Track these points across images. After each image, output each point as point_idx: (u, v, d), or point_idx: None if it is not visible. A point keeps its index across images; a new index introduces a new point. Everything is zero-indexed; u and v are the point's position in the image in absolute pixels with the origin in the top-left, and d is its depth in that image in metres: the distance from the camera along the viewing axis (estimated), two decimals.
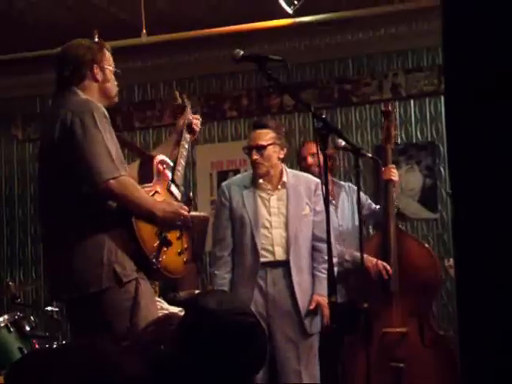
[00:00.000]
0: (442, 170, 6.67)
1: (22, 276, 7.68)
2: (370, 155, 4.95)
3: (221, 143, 7.27)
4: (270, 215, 4.54)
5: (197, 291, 6.38)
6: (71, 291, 3.37)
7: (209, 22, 6.21)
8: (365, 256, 4.71)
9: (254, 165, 4.59)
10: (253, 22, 6.21)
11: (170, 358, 2.21)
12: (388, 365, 4.77)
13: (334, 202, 5.10)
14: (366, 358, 4.13)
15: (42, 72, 7.44)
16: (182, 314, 3.18)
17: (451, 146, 1.64)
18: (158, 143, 7.44)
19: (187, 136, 4.02)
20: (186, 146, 3.95)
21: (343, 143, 4.37)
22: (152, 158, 3.74)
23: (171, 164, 3.80)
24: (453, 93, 1.61)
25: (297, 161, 5.57)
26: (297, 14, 5.37)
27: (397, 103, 6.84)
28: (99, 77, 3.55)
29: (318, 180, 4.63)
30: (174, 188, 3.71)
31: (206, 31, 6.30)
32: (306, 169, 5.24)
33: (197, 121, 4.06)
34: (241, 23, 6.18)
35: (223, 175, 7.13)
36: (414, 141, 6.81)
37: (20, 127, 7.87)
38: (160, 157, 3.77)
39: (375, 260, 4.92)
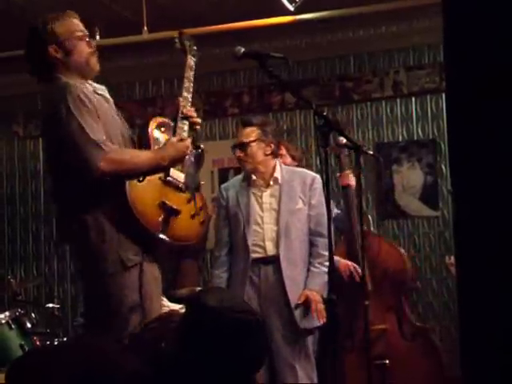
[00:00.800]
0: (443, 167, 6.66)
1: (23, 273, 7.68)
2: (371, 153, 4.96)
3: (222, 140, 7.26)
4: (262, 211, 4.54)
5: (198, 288, 6.39)
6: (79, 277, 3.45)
7: (210, 19, 6.20)
8: (338, 259, 4.76)
9: (239, 162, 4.62)
10: (254, 19, 6.20)
11: (171, 355, 2.22)
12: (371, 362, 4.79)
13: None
14: (347, 357, 4.17)
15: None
16: (183, 311, 3.18)
17: (452, 143, 1.63)
18: None
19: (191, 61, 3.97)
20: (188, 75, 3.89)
21: (344, 141, 4.37)
22: (147, 121, 3.62)
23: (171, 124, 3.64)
24: (454, 90, 1.61)
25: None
26: (298, 11, 5.37)
27: (398, 100, 6.85)
28: (58, 54, 3.39)
29: (316, 175, 4.63)
30: (172, 172, 3.50)
31: (208, 28, 6.30)
32: None
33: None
34: (242, 20, 6.17)
35: (224, 173, 7.13)
36: (416, 138, 6.81)
37: (21, 124, 7.88)
38: (157, 119, 3.63)
39: (348, 263, 4.94)
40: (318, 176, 4.57)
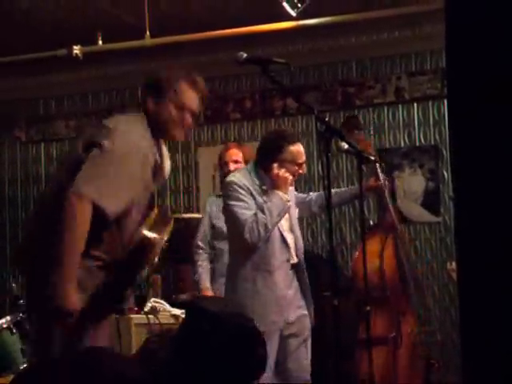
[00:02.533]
0: (444, 173, 6.67)
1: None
2: (373, 158, 4.95)
3: (224, 145, 7.26)
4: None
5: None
6: None
7: (212, 24, 6.21)
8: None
9: None
10: (256, 24, 6.21)
11: (169, 361, 2.22)
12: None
13: None
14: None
15: (46, 74, 7.47)
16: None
17: (454, 149, 1.64)
18: None
19: None
20: None
21: (346, 146, 4.37)
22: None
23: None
24: (456, 96, 1.61)
25: (218, 164, 5.57)
26: (300, 16, 5.38)
27: (400, 106, 6.86)
28: (151, 107, 3.40)
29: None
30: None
31: (210, 33, 6.30)
32: (226, 174, 5.18)
33: None
34: (244, 26, 6.18)
35: (225, 177, 7.13)
36: (417, 144, 6.81)
37: (23, 129, 7.89)
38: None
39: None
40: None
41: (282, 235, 4.37)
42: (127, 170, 3.18)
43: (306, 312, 4.42)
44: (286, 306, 4.35)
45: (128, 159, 3.18)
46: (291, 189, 4.50)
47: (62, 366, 2.22)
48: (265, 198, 4.27)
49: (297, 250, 4.44)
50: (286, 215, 4.41)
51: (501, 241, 1.52)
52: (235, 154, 5.36)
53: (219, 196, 5.43)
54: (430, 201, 6.72)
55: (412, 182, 6.77)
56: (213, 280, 5.48)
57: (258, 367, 2.32)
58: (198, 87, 3.52)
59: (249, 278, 4.33)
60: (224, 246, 5.35)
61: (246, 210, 4.26)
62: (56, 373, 2.17)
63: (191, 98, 3.49)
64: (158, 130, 3.39)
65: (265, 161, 4.37)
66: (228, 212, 4.38)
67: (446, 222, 6.65)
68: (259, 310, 4.20)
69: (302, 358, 4.40)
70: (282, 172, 4.26)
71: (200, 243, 5.54)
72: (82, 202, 3.06)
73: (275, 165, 4.29)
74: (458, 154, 1.61)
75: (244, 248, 4.29)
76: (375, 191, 5.30)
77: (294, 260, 4.43)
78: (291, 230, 4.47)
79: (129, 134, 3.25)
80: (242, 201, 4.29)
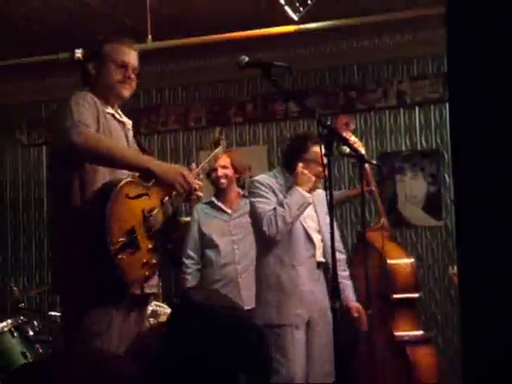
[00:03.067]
0: (446, 177, 6.66)
1: (26, 281, 7.69)
2: (374, 162, 4.96)
3: (226, 149, 7.26)
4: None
5: None
6: None
7: (214, 28, 6.21)
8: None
9: None
10: (258, 28, 6.21)
11: (161, 355, 2.21)
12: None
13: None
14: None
15: (47, 77, 7.48)
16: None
17: (455, 153, 1.63)
18: (162, 148, 7.46)
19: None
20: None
21: (348, 150, 4.37)
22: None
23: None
24: (457, 100, 1.61)
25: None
26: (302, 20, 5.38)
27: (402, 110, 6.86)
28: (93, 71, 3.60)
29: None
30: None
31: (212, 37, 6.30)
32: (214, 180, 5.47)
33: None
34: (246, 29, 6.18)
35: None
36: (419, 148, 6.81)
37: (25, 132, 7.89)
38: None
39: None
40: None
41: (306, 232, 4.47)
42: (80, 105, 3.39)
43: (330, 314, 4.41)
44: (311, 302, 4.43)
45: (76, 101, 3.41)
46: (320, 192, 4.54)
47: (56, 366, 2.22)
48: (287, 194, 4.41)
49: (325, 250, 4.48)
50: (313, 216, 4.47)
51: (502, 245, 1.52)
52: (223, 159, 5.43)
53: (207, 203, 5.56)
54: (432, 205, 6.72)
55: (413, 186, 6.77)
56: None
57: (251, 357, 2.30)
58: (131, 43, 3.70)
59: (273, 271, 4.44)
60: (212, 253, 5.40)
61: (265, 204, 4.43)
62: (50, 372, 2.17)
63: (128, 54, 3.66)
64: (105, 93, 3.57)
65: (290, 161, 4.54)
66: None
67: (447, 226, 6.65)
68: (283, 302, 4.37)
69: (325, 360, 4.37)
70: (305, 170, 4.40)
71: (190, 252, 5.53)
72: (79, 135, 3.25)
73: (300, 164, 4.43)
74: (459, 158, 1.61)
75: (265, 241, 4.42)
76: (370, 196, 5.32)
77: (320, 259, 4.50)
78: (319, 231, 4.52)
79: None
80: (263, 196, 4.47)
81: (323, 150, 3.36)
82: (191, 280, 5.48)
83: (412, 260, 5.30)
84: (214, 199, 5.57)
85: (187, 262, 5.52)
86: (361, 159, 4.03)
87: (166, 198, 3.53)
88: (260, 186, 4.49)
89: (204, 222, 5.53)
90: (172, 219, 3.61)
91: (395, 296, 5.10)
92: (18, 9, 5.97)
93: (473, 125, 1.58)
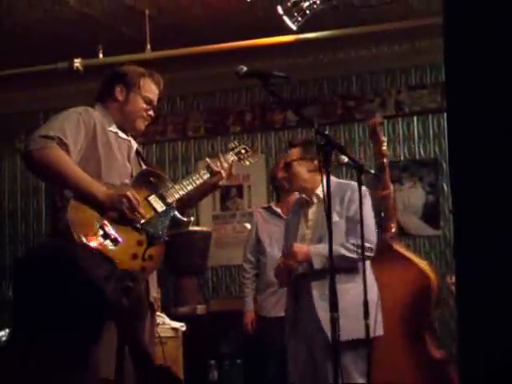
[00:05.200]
0: (444, 186, 6.67)
1: None
2: (372, 172, 4.96)
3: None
4: (307, 228, 4.51)
5: (198, 306, 6.39)
6: None
7: (213, 37, 6.23)
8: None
9: (287, 183, 4.87)
10: (257, 38, 6.23)
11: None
12: None
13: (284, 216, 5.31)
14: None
15: (46, 86, 7.48)
16: (183, 328, 3.14)
17: (453, 163, 1.64)
18: (161, 158, 7.46)
19: (206, 175, 3.88)
20: (198, 182, 3.81)
21: (346, 159, 4.37)
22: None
23: (165, 177, 3.72)
24: (455, 110, 1.62)
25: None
26: (300, 30, 5.39)
27: (400, 119, 6.87)
28: (120, 97, 3.59)
29: (355, 185, 4.51)
30: (155, 200, 3.55)
31: (210, 47, 6.32)
32: (277, 184, 5.52)
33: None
34: (245, 39, 6.20)
35: (226, 190, 7.14)
36: (417, 157, 6.82)
37: (23, 141, 7.89)
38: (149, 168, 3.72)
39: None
40: (359, 186, 4.40)
41: None
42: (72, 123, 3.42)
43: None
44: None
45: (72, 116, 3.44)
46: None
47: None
48: None
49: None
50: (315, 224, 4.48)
51: (500, 254, 1.52)
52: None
53: (266, 208, 5.63)
54: (430, 214, 6.72)
55: (412, 196, 6.77)
56: (258, 292, 5.52)
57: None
58: (159, 83, 3.73)
59: None
60: (264, 259, 5.39)
61: None
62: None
63: (154, 93, 3.70)
64: (122, 120, 3.59)
65: None
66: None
67: (445, 235, 6.65)
68: None
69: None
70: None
71: (249, 256, 5.56)
72: (41, 149, 3.30)
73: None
74: (457, 168, 1.62)
75: None
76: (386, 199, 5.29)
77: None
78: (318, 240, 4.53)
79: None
80: None
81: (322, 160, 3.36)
82: (250, 285, 5.51)
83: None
84: (272, 204, 5.63)
85: (246, 266, 5.56)
86: (359, 169, 4.03)
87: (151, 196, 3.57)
88: None
89: (261, 226, 5.54)
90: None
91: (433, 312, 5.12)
92: (18, 18, 5.99)
93: (471, 134, 1.58)
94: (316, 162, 4.48)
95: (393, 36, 6.53)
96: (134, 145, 3.69)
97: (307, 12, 5.01)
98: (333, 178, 4.52)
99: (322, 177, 3.53)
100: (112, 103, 3.60)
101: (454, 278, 5.15)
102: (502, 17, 1.54)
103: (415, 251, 6.66)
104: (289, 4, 5.01)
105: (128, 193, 3.37)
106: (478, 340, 1.52)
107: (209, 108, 7.38)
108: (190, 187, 3.72)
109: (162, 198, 3.59)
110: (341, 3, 5.00)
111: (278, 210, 5.49)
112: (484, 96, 1.55)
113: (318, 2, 4.95)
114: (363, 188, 4.40)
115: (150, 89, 3.67)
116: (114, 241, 3.35)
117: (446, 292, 5.59)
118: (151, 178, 3.62)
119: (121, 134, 3.61)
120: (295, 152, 4.56)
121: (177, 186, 3.67)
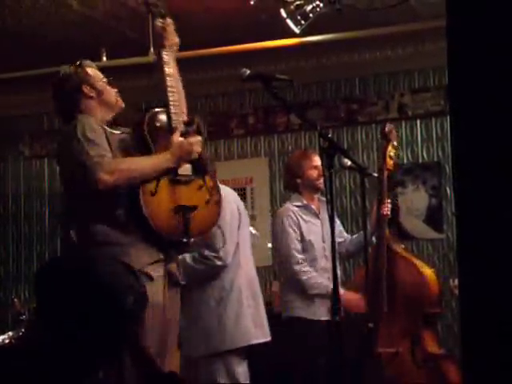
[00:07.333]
0: (447, 189, 6.66)
1: (27, 293, 7.67)
2: (375, 175, 4.95)
3: (227, 161, 7.28)
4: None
5: None
6: None
7: (216, 40, 6.23)
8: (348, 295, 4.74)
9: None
10: (260, 41, 6.23)
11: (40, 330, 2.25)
12: None
13: (320, 217, 5.08)
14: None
15: (50, 90, 7.48)
16: None
17: (456, 166, 1.64)
18: None
19: (165, 55, 3.74)
20: (168, 71, 3.71)
21: (349, 163, 4.37)
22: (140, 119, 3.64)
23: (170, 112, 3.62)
24: (458, 113, 1.62)
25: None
26: (303, 33, 5.40)
27: (403, 123, 6.87)
28: (92, 93, 3.66)
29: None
30: (182, 169, 3.52)
31: (213, 50, 6.33)
32: (312, 180, 5.09)
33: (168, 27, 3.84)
34: (248, 42, 6.20)
35: None
36: (420, 161, 6.81)
37: (27, 144, 7.90)
38: (150, 113, 3.64)
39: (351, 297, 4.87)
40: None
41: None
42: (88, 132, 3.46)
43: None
44: None
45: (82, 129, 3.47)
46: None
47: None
48: None
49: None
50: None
51: (503, 258, 1.52)
52: (317, 160, 5.25)
53: (299, 206, 5.11)
54: (433, 217, 6.71)
55: (415, 199, 6.76)
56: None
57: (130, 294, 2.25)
58: (90, 64, 3.82)
59: None
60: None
61: None
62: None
63: (98, 72, 3.78)
64: (108, 108, 3.68)
65: None
66: None
67: (448, 238, 6.64)
68: None
69: None
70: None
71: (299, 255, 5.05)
72: (103, 172, 3.32)
73: None
74: (460, 171, 1.62)
75: None
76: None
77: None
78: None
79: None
80: None
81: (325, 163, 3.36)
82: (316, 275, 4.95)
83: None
84: (305, 201, 5.08)
85: (300, 256, 4.98)
86: (362, 172, 4.03)
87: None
88: None
89: (303, 225, 5.03)
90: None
91: (432, 310, 5.09)
92: (22, 21, 6.00)
93: (474, 137, 1.58)
94: None
95: (396, 39, 6.53)
96: (118, 132, 3.70)
97: (310, 15, 5.02)
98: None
99: (324, 180, 3.53)
100: (90, 103, 3.65)
101: (457, 281, 5.14)
102: (506, 20, 1.54)
103: (418, 254, 6.66)
104: (292, 7, 5.02)
105: (185, 142, 3.49)
106: (481, 343, 1.52)
107: (212, 111, 7.38)
108: (172, 99, 3.67)
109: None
110: (344, 6, 4.99)
111: (314, 208, 5.17)
112: (487, 99, 1.55)
113: (321, 5, 4.96)
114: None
115: (94, 72, 3.75)
116: (192, 209, 3.43)
117: (448, 295, 5.57)
118: (158, 123, 3.60)
119: (116, 131, 3.64)
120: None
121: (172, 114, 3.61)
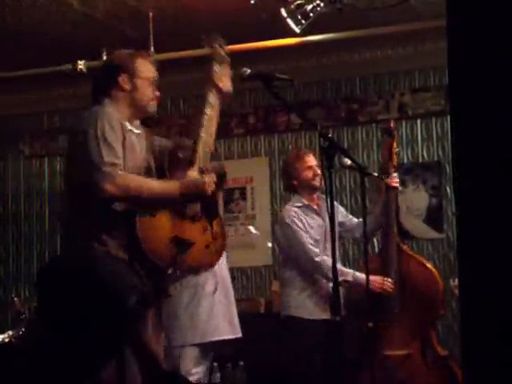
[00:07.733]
0: (448, 189, 6.66)
1: (28, 292, 7.67)
2: (375, 174, 4.96)
3: (227, 161, 7.27)
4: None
5: None
6: None
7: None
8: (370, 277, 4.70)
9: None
10: (260, 40, 6.23)
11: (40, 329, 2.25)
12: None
13: (321, 214, 5.10)
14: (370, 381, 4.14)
15: (50, 89, 7.49)
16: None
17: (457, 165, 1.64)
18: None
19: (211, 97, 3.86)
20: (208, 112, 3.80)
21: (349, 162, 4.38)
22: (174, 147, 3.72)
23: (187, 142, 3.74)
24: (459, 112, 1.61)
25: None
26: (304, 33, 5.39)
27: (403, 122, 6.87)
28: (127, 86, 3.56)
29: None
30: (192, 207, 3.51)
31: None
32: (309, 180, 5.13)
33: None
34: (248, 42, 6.20)
35: (229, 193, 7.13)
36: (421, 160, 6.81)
37: (27, 143, 7.90)
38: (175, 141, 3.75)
39: (380, 278, 4.92)
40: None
41: None
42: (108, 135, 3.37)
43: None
44: None
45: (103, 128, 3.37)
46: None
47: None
48: None
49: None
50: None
51: (503, 258, 1.52)
52: (313, 159, 5.25)
53: (299, 206, 5.13)
54: (433, 217, 6.71)
55: (415, 199, 6.76)
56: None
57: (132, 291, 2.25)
58: (151, 59, 3.72)
59: None
60: None
61: None
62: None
63: (153, 71, 3.67)
64: (134, 109, 3.59)
65: None
66: None
67: (449, 238, 6.64)
68: None
69: None
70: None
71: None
72: (110, 183, 3.25)
73: None
74: (460, 170, 1.62)
75: None
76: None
77: None
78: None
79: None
80: None
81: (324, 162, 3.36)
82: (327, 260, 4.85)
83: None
84: (305, 201, 5.11)
85: (316, 249, 4.99)
86: (362, 171, 4.03)
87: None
88: None
89: (307, 224, 5.05)
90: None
91: (443, 311, 5.13)
92: (22, 20, 5.99)
93: (474, 137, 1.58)
94: None
95: (396, 39, 6.53)
96: (143, 133, 3.69)
97: (311, 15, 5.02)
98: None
99: (324, 179, 3.53)
100: (120, 95, 3.55)
101: (457, 281, 5.14)
102: (506, 20, 1.54)
103: (419, 254, 6.66)
104: (292, 6, 5.02)
105: (205, 181, 3.46)
106: (481, 343, 1.52)
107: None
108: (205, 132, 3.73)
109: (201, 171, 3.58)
110: (345, 6, 4.99)
111: (315, 207, 5.20)
112: (487, 99, 1.55)
113: (321, 4, 4.95)
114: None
115: (148, 68, 3.64)
116: (189, 245, 3.36)
117: (449, 295, 5.57)
118: (180, 153, 3.63)
119: (134, 130, 3.60)
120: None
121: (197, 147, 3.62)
